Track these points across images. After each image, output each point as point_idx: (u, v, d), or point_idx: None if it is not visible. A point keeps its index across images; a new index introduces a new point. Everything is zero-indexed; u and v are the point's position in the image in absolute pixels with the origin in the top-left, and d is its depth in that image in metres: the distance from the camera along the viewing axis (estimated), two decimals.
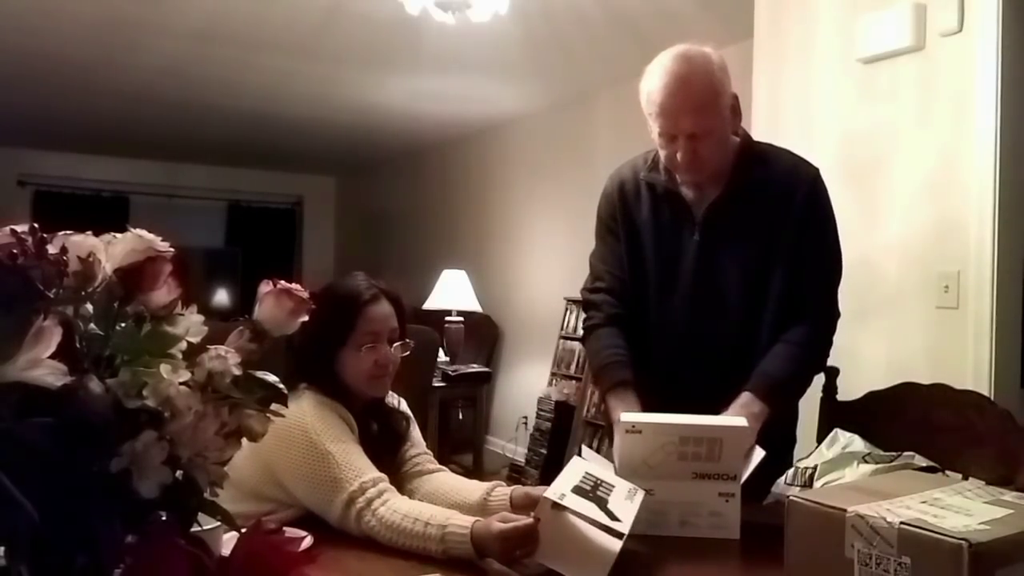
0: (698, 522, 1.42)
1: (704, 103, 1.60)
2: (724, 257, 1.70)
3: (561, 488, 1.25)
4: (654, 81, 1.63)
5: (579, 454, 1.51)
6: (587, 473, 1.34)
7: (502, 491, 1.47)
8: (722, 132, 1.65)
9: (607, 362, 1.71)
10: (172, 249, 0.77)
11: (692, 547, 1.38)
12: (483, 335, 6.00)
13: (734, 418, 1.50)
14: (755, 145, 1.75)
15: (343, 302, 1.54)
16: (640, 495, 1.35)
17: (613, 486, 1.33)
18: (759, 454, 1.50)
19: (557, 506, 1.21)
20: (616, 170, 1.85)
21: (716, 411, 1.55)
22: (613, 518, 1.22)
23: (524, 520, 1.22)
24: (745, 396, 1.59)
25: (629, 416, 1.47)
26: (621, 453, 1.43)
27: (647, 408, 1.61)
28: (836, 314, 1.73)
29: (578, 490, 1.27)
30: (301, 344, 1.47)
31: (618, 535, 1.19)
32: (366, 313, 1.53)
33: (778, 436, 1.66)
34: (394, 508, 1.33)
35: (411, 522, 1.29)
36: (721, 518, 1.41)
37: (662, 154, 1.69)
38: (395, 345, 1.56)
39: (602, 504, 1.25)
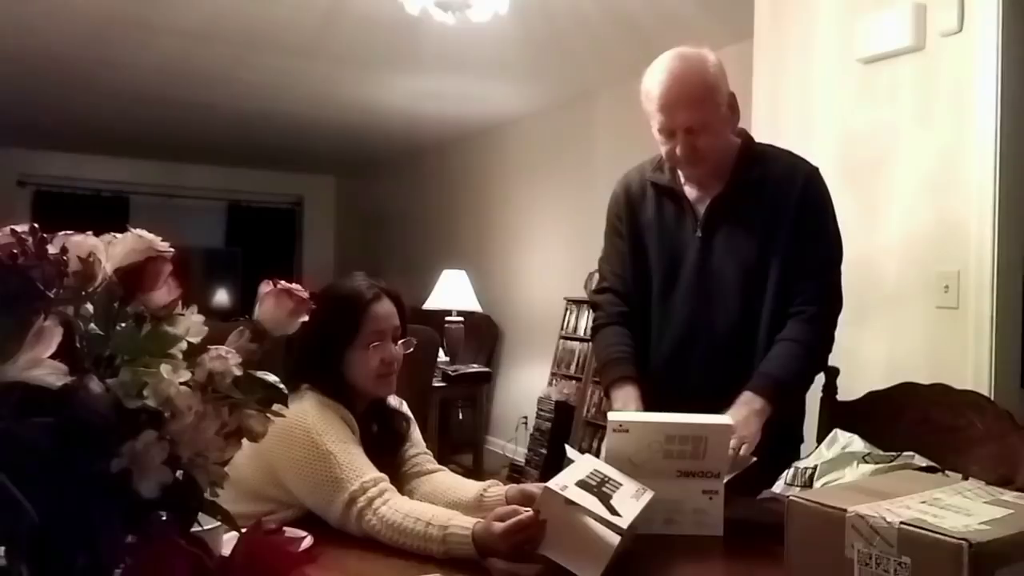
0: (682, 519, 1.43)
1: (698, 97, 1.65)
2: (724, 252, 1.73)
3: (565, 480, 1.26)
4: (651, 80, 1.69)
5: (564, 454, 1.51)
6: (595, 469, 1.35)
7: (497, 490, 1.48)
8: (718, 127, 1.70)
9: (609, 359, 1.78)
10: (172, 249, 0.76)
11: (676, 544, 1.38)
12: (483, 335, 6.00)
13: (718, 416, 1.51)
14: (755, 146, 1.80)
15: (346, 303, 1.54)
16: (648, 495, 1.35)
17: (620, 484, 1.33)
18: (749, 460, 1.50)
19: (558, 497, 1.21)
20: (625, 173, 1.91)
21: (717, 405, 1.56)
22: (614, 513, 1.22)
23: (523, 513, 1.22)
24: (747, 394, 1.61)
25: (616, 415, 1.48)
26: (608, 451, 1.45)
27: (649, 402, 1.65)
28: (837, 308, 1.74)
29: (583, 484, 1.27)
30: (303, 346, 1.48)
31: (617, 530, 1.19)
32: (370, 313, 1.54)
33: (784, 435, 1.66)
34: (396, 507, 1.33)
35: (412, 522, 1.30)
36: (705, 515, 1.43)
37: (663, 150, 1.73)
38: (399, 343, 1.58)
39: (605, 499, 1.25)
